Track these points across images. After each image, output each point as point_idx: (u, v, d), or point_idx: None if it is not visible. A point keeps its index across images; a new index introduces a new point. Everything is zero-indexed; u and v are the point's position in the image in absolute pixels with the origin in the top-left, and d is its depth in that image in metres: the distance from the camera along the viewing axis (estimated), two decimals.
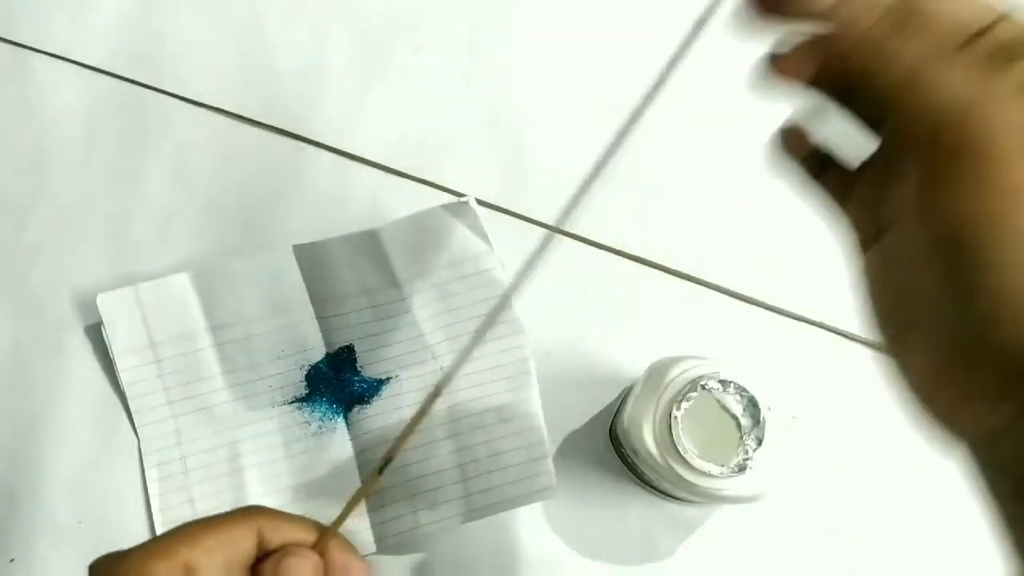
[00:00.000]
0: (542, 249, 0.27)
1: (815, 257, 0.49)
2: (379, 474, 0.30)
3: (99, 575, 0.27)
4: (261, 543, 0.28)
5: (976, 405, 0.19)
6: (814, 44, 0.21)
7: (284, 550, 0.28)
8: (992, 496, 0.19)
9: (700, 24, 0.24)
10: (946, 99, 0.19)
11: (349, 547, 0.30)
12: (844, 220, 0.25)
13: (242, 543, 0.28)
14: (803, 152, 0.25)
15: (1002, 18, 0.20)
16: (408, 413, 0.46)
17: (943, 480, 0.42)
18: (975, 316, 0.18)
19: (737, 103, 0.52)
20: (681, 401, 0.37)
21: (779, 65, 0.22)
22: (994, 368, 0.18)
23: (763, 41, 0.23)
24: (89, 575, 0.27)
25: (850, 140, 0.24)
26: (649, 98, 0.27)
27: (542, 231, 0.50)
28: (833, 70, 0.21)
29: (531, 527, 0.45)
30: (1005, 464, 0.19)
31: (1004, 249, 0.18)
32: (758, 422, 0.37)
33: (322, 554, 0.28)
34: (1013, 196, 0.18)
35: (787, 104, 0.25)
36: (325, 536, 0.29)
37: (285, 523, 0.28)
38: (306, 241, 0.48)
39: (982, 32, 0.20)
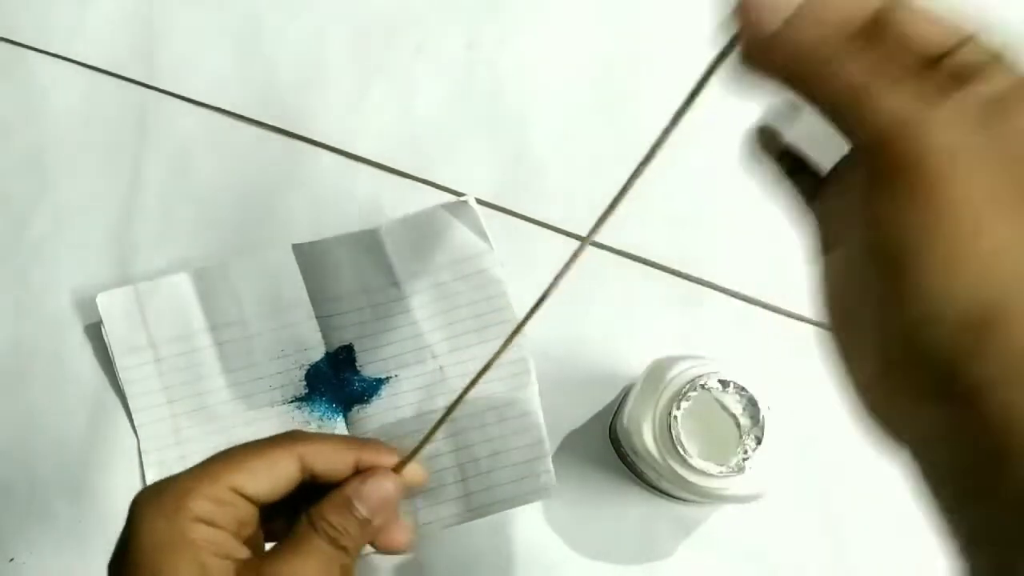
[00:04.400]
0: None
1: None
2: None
3: (141, 505, 0.27)
4: (304, 467, 0.28)
5: (914, 409, 0.20)
6: (774, 40, 0.21)
7: (366, 473, 0.29)
8: (934, 500, 0.20)
9: (723, 44, 0.23)
10: (886, 118, 0.20)
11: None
12: (808, 224, 0.26)
13: (286, 467, 0.28)
14: (775, 151, 0.26)
15: (965, 41, 0.20)
16: (408, 412, 0.46)
17: None
18: (907, 319, 0.19)
19: (736, 103, 0.52)
20: (681, 401, 0.37)
21: (747, 57, 0.22)
22: (928, 371, 0.19)
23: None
24: (131, 507, 0.27)
25: (824, 142, 0.24)
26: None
27: (541, 230, 0.50)
28: (791, 72, 0.21)
29: (531, 527, 0.45)
30: (944, 468, 0.20)
31: (930, 258, 0.19)
32: (758, 422, 0.37)
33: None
34: (941, 213, 0.19)
35: (764, 101, 0.25)
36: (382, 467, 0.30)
37: (324, 446, 0.29)
38: (305, 240, 0.48)
39: (945, 54, 0.20)
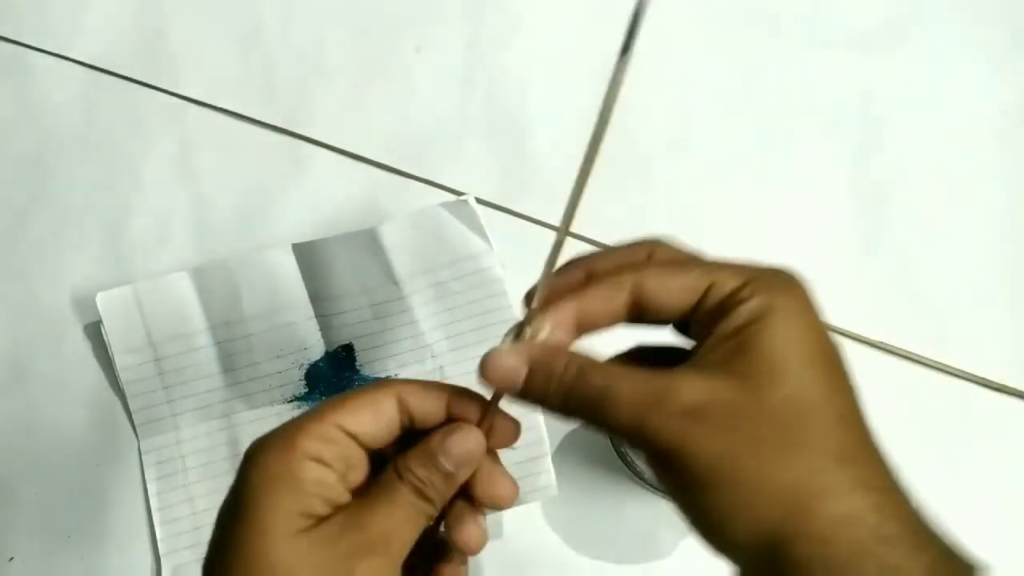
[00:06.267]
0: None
1: (814, 254, 0.49)
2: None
3: (254, 449, 0.28)
4: (403, 409, 0.29)
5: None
6: (524, 396, 0.28)
7: (450, 427, 0.29)
8: None
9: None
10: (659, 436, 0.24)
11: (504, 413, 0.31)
12: None
13: (386, 406, 0.29)
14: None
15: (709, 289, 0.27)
16: None
17: (942, 477, 0.42)
18: (723, 554, 0.24)
19: (737, 101, 0.52)
20: None
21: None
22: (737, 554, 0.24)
23: None
24: (245, 453, 0.28)
25: None
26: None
27: (541, 229, 0.49)
28: (561, 413, 0.28)
29: (531, 527, 0.45)
30: None
31: (712, 518, 0.24)
32: None
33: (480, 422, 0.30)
34: (699, 485, 0.24)
35: None
36: (487, 409, 0.30)
37: (419, 387, 0.30)
38: (305, 240, 0.48)
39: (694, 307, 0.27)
